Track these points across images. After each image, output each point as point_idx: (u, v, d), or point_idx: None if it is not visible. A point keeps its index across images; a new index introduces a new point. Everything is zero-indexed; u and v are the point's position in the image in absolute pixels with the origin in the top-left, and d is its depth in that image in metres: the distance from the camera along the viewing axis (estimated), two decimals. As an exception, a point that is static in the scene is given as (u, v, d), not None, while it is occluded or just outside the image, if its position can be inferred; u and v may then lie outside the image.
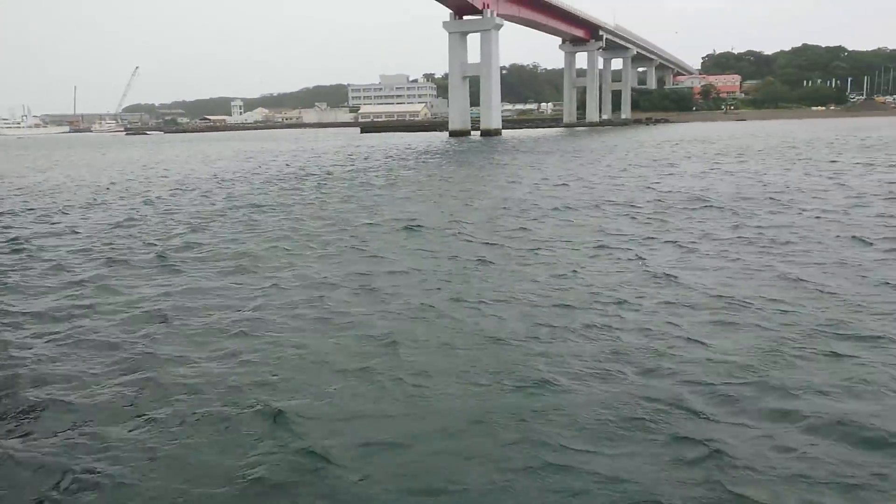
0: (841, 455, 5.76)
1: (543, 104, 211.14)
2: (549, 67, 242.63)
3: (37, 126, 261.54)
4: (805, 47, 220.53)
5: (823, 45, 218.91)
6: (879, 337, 8.47)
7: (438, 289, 11.44)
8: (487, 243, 15.47)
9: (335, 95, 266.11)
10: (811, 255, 13.36)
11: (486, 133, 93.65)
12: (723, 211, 19.70)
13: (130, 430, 6.45)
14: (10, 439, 6.33)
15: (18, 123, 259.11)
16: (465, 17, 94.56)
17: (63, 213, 23.32)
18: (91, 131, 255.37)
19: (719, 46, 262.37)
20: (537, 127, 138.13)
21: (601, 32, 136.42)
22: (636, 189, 26.04)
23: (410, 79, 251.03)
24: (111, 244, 16.58)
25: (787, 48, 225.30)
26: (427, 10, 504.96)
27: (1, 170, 50.77)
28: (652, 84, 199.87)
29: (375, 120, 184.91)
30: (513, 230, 17.24)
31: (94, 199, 27.24)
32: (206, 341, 8.98)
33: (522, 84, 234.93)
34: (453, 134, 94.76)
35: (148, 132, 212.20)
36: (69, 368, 8.08)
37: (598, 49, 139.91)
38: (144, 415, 6.78)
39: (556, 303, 10.37)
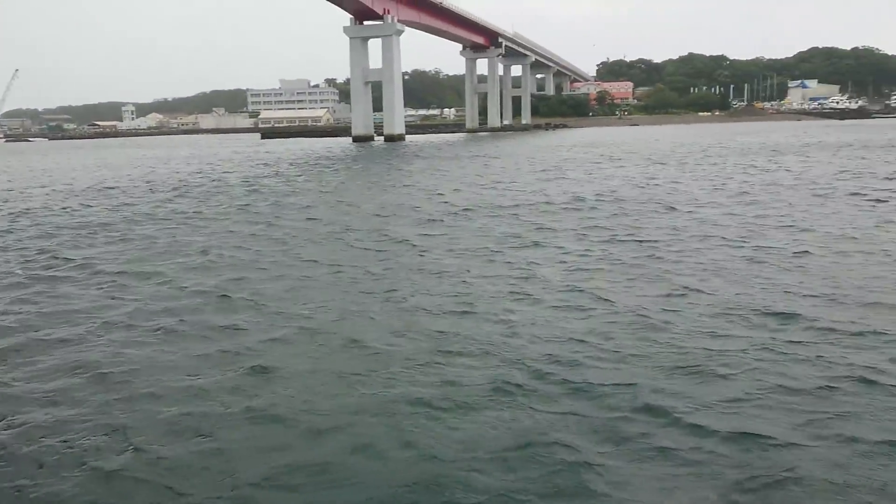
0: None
1: (446, 110, 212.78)
2: (451, 73, 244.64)
3: None
4: (691, 56, 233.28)
5: (707, 55, 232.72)
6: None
7: (313, 299, 11.42)
8: (375, 250, 15.62)
9: (234, 101, 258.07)
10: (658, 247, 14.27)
11: (390, 138, 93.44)
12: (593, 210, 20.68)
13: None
14: None
15: None
16: (365, 23, 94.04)
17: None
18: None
19: (612, 55, 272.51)
20: (440, 132, 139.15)
21: (500, 40, 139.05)
22: (529, 192, 26.85)
23: (312, 84, 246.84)
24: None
25: (675, 56, 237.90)
26: (327, 15, 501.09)
27: None
28: (550, 90, 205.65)
29: (276, 125, 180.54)
30: (400, 239, 17.36)
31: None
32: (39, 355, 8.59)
33: (425, 89, 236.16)
34: (357, 139, 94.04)
35: (30, 139, 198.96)
36: None
37: (498, 56, 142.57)
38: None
39: (431, 306, 10.60)
